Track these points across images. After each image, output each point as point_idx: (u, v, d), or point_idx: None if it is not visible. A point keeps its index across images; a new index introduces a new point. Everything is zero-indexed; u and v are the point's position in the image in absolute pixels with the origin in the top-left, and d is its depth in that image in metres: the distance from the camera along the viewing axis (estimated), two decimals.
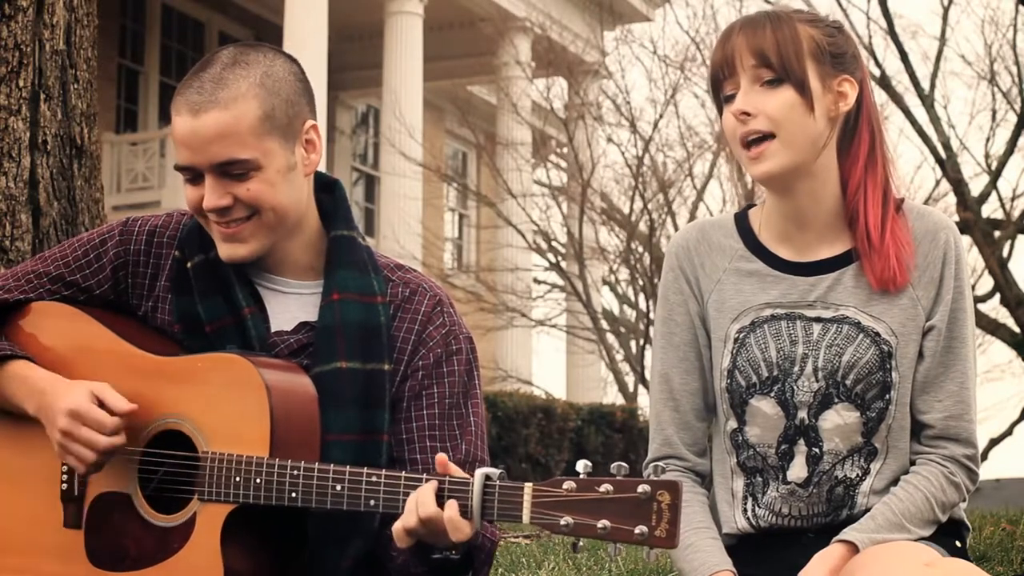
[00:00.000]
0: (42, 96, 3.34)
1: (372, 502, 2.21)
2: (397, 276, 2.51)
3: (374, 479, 2.21)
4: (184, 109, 2.35)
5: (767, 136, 2.39)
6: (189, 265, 2.47)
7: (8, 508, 2.47)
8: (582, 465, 2.08)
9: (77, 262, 2.53)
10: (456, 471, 2.18)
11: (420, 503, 2.15)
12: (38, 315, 2.52)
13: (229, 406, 2.32)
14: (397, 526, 2.18)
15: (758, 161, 2.40)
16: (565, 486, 2.06)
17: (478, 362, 2.52)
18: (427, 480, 2.16)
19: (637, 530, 2.02)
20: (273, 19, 19.86)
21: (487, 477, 2.12)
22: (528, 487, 2.08)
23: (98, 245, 2.53)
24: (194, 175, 2.38)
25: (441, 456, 2.19)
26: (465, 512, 2.12)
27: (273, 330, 2.45)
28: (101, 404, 2.35)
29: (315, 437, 2.35)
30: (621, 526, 2.02)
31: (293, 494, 2.24)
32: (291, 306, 2.47)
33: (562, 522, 2.05)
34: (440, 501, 2.14)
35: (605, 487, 2.04)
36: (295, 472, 2.25)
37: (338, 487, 2.22)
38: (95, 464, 2.35)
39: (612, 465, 2.06)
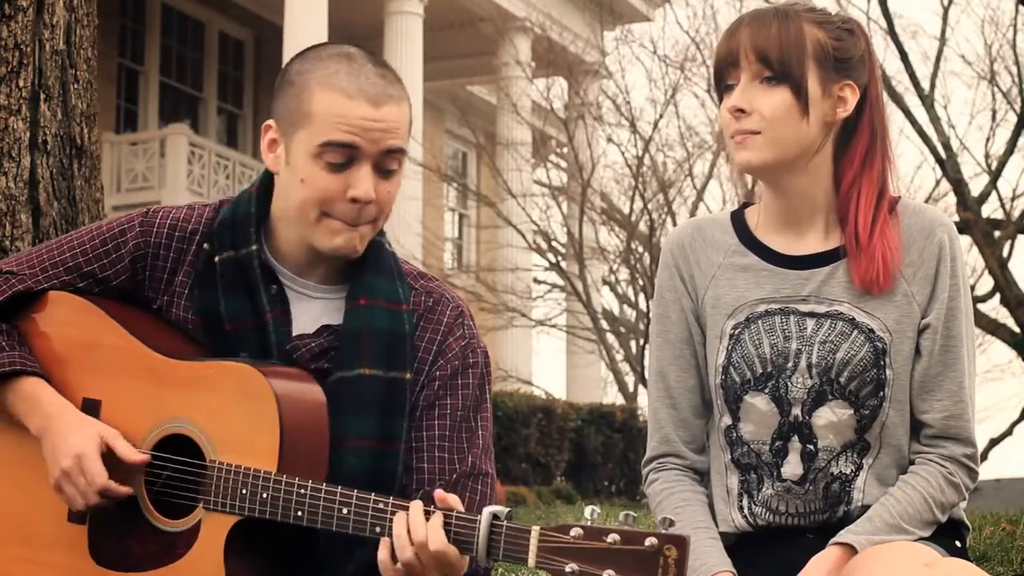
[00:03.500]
0: (42, 96, 3.33)
1: (378, 529, 2.19)
2: (420, 284, 2.51)
3: (381, 506, 2.20)
4: (362, 98, 2.34)
5: (756, 133, 2.40)
6: (217, 259, 2.44)
7: (13, 498, 2.47)
8: (589, 511, 2.06)
9: (95, 251, 2.51)
10: (456, 504, 2.16)
11: (431, 527, 2.12)
12: (52, 306, 2.51)
13: (239, 417, 2.31)
14: (383, 557, 2.17)
15: (741, 148, 2.41)
16: (572, 533, 2.04)
17: (491, 376, 2.52)
18: (435, 512, 2.15)
19: None
20: (273, 19, 19.86)
21: (495, 516, 2.10)
22: (535, 531, 2.06)
23: (117, 235, 2.50)
24: (346, 162, 2.35)
25: (439, 492, 2.17)
26: (469, 549, 2.11)
27: (295, 333, 2.44)
28: (109, 450, 2.35)
29: (324, 451, 2.34)
30: None
31: (299, 512, 2.24)
32: (314, 309, 2.45)
33: (567, 568, 2.03)
34: (447, 536, 2.13)
35: (612, 537, 2.01)
36: (302, 491, 2.24)
37: (344, 511, 2.21)
38: (83, 509, 2.37)
39: (620, 514, 2.04)
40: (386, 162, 2.37)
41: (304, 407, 2.34)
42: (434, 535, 2.13)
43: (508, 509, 2.11)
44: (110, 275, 2.50)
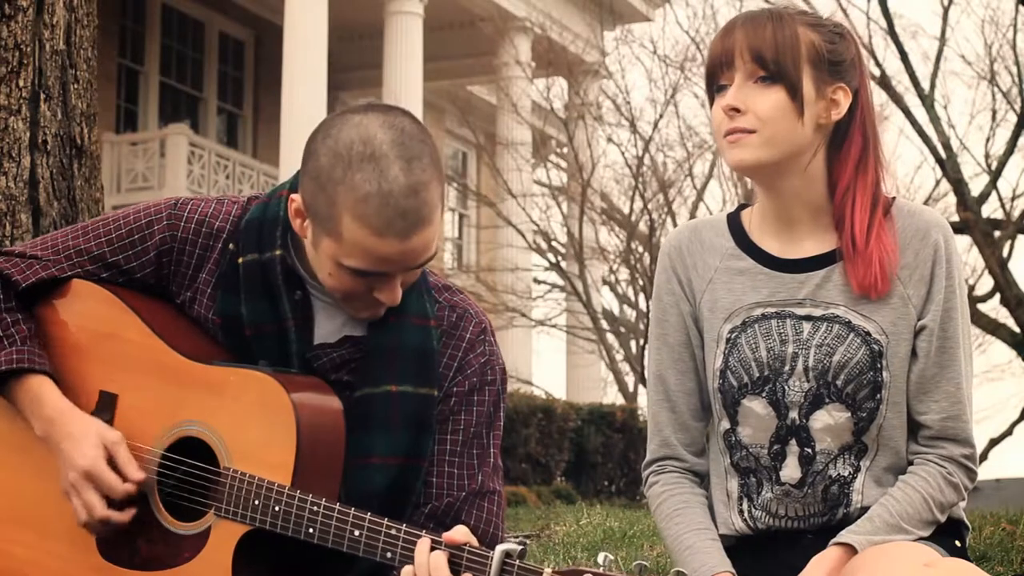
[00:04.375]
0: (42, 96, 3.33)
1: (389, 555, 2.20)
2: (444, 298, 2.49)
3: (393, 532, 2.20)
4: (391, 234, 2.24)
5: (750, 131, 2.39)
6: (241, 261, 2.42)
7: (24, 485, 2.47)
8: (602, 557, 2.07)
9: (120, 242, 2.48)
10: (464, 538, 2.16)
11: (434, 568, 2.13)
12: (75, 295, 2.49)
13: (256, 427, 2.31)
14: None
15: (734, 147, 2.40)
16: None
17: (506, 392, 2.52)
18: (445, 548, 2.15)
19: None
20: (273, 19, 19.86)
21: (507, 555, 2.10)
22: (547, 573, 2.07)
23: (144, 227, 2.47)
24: (370, 276, 2.31)
25: (446, 534, 2.17)
26: None
27: (316, 342, 2.42)
28: (112, 460, 2.35)
29: (338, 465, 2.34)
30: None
31: (311, 530, 2.24)
32: (338, 319, 2.44)
33: None
34: (455, 572, 2.13)
35: None
36: (315, 508, 2.24)
37: (356, 532, 2.22)
38: (86, 524, 2.36)
39: (633, 564, 2.04)
40: (414, 268, 2.34)
41: (322, 422, 2.34)
42: (436, 564, 2.13)
43: (521, 547, 2.11)
44: (135, 267, 2.48)
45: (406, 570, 2.17)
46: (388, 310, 2.40)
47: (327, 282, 2.35)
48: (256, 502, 2.27)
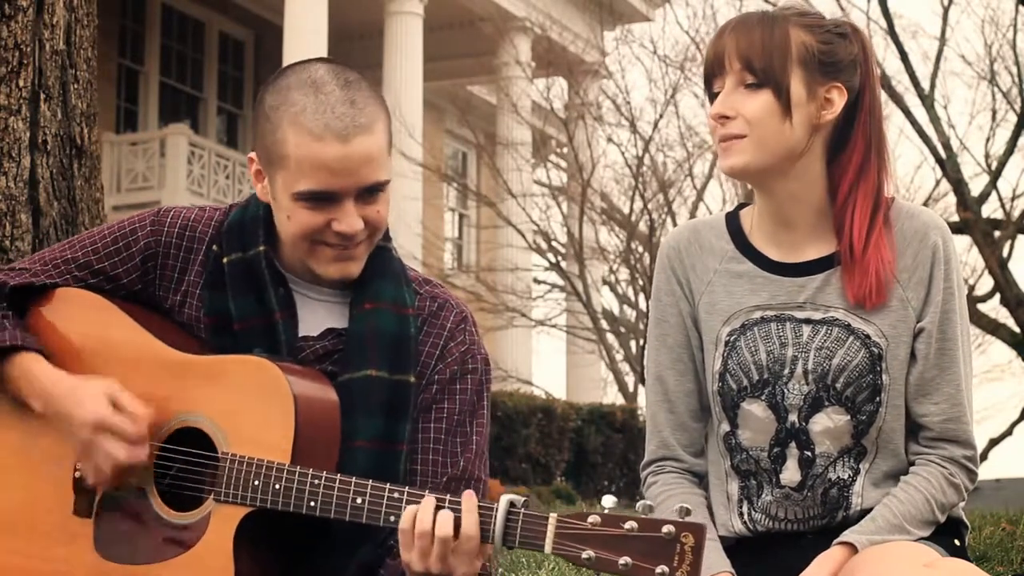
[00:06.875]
0: (42, 96, 3.33)
1: (392, 518, 2.21)
2: (425, 290, 2.53)
3: (396, 495, 2.21)
4: (329, 136, 2.31)
5: (741, 136, 2.40)
6: (225, 260, 2.46)
7: (16, 490, 2.46)
8: (609, 500, 2.08)
9: (106, 249, 2.52)
10: (467, 496, 2.18)
11: (439, 523, 2.15)
12: (62, 301, 2.51)
13: (254, 411, 2.32)
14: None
15: (727, 154, 2.41)
16: (590, 519, 2.06)
17: (490, 383, 2.54)
18: (448, 504, 2.17)
19: (659, 570, 2.01)
20: (273, 19, 19.86)
21: (512, 504, 2.13)
22: (553, 517, 2.08)
23: (128, 234, 2.52)
24: (323, 200, 2.35)
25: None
26: (485, 536, 2.13)
27: (300, 335, 2.46)
28: (117, 406, 2.35)
29: (335, 449, 2.36)
30: (643, 564, 2.02)
31: (312, 503, 2.25)
32: (319, 312, 2.48)
33: (584, 555, 2.05)
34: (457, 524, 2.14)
35: (630, 524, 2.04)
36: (316, 481, 2.25)
37: (359, 500, 2.22)
38: (112, 476, 2.36)
39: (637, 504, 2.06)
40: (367, 193, 2.37)
41: (319, 407, 2.35)
42: (441, 521, 2.15)
43: (525, 498, 2.13)
44: (120, 273, 2.51)
45: (409, 508, 2.18)
46: (365, 296, 2.44)
47: (289, 229, 2.39)
48: (256, 482, 2.27)
